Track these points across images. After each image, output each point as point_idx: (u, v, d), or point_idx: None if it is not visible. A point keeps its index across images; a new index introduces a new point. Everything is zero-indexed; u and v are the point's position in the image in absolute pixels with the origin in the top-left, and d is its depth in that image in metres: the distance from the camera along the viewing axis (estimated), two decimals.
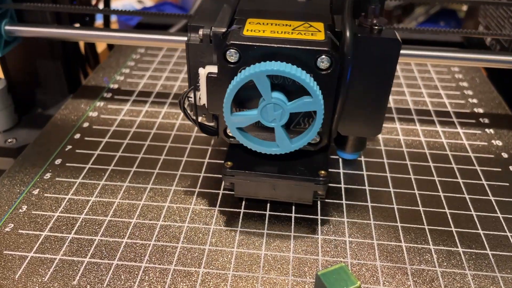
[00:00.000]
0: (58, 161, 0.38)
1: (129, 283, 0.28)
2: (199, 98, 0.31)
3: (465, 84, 0.51)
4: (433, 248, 0.31)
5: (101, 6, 0.63)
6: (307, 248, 0.31)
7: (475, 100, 0.48)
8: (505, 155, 0.40)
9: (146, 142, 0.41)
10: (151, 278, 0.29)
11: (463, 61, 0.42)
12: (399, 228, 0.33)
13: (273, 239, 0.32)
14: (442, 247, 0.31)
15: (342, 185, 0.37)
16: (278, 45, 0.28)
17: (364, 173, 0.38)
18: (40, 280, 0.28)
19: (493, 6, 0.57)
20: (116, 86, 0.50)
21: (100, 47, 0.70)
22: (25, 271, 0.29)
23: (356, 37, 0.29)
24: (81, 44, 0.60)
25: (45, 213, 0.33)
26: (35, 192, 0.35)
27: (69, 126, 0.43)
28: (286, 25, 0.30)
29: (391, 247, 0.31)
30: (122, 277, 0.29)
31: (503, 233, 0.33)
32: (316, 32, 0.29)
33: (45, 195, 0.35)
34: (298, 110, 0.29)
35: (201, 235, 0.32)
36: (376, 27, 0.29)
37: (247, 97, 0.30)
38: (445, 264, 0.30)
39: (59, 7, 0.45)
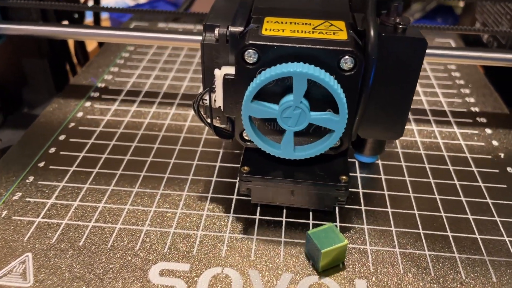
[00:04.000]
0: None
1: None
2: (214, 100, 0.30)
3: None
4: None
5: (91, 3, 0.62)
6: None
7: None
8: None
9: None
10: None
11: (460, 59, 0.41)
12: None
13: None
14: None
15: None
16: (299, 45, 0.26)
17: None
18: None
19: (490, 2, 0.56)
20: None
21: (90, 46, 0.69)
22: None
23: (380, 36, 0.27)
24: (71, 43, 0.59)
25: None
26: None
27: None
28: (306, 24, 0.28)
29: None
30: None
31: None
32: (338, 31, 0.28)
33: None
34: (319, 124, 0.28)
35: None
36: (400, 26, 0.28)
37: (265, 98, 0.28)
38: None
39: (45, 4, 0.43)
